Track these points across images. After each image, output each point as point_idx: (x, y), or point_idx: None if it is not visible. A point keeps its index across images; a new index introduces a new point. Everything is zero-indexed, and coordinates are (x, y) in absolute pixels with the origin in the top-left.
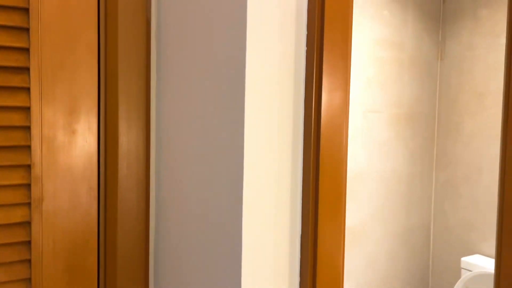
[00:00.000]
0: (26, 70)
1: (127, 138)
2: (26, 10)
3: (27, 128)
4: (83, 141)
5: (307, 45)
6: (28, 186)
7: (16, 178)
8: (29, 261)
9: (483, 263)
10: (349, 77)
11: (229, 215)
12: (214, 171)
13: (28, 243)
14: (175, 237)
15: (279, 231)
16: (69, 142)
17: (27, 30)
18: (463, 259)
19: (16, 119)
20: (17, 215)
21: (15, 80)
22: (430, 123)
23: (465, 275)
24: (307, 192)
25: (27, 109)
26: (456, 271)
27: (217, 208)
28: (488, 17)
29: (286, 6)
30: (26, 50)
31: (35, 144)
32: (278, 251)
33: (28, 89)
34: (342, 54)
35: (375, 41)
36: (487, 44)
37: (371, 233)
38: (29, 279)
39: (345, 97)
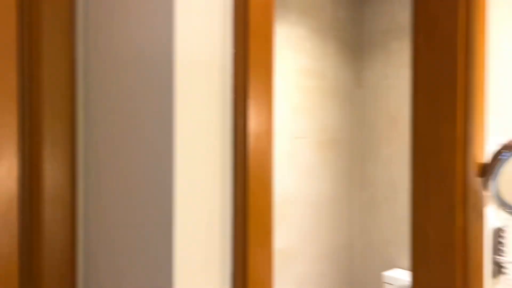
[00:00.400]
0: None
1: (52, 181)
2: None
3: None
4: (3, 186)
5: (234, 86)
6: None
7: None
8: None
9: (403, 276)
10: (273, 108)
11: (161, 254)
12: (144, 212)
13: None
14: (105, 283)
15: (210, 258)
16: None
17: None
18: (384, 273)
19: None
20: None
21: None
22: (353, 147)
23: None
24: (236, 219)
25: None
26: (377, 285)
27: (148, 250)
28: (398, 50)
29: (211, 46)
30: None
31: None
32: (209, 276)
33: None
34: (266, 90)
35: (299, 71)
36: (398, 74)
37: (301, 255)
38: None
39: (269, 128)
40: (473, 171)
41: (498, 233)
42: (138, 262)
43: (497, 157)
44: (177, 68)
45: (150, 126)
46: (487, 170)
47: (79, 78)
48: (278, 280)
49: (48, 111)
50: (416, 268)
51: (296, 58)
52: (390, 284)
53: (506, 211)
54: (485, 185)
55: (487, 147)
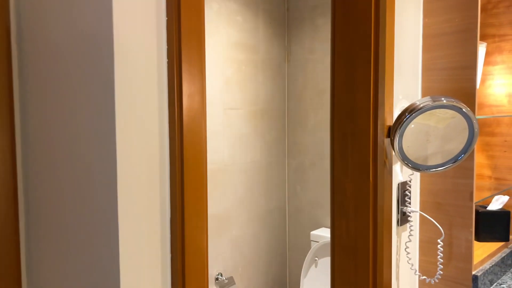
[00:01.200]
0: None
1: None
2: None
3: None
4: None
5: (168, 58)
6: None
7: None
8: None
9: (327, 234)
10: (204, 83)
11: (105, 216)
12: (87, 175)
13: None
14: (47, 240)
15: (152, 223)
16: None
17: None
18: (312, 232)
19: None
20: None
21: None
22: (282, 117)
23: (313, 246)
24: (174, 186)
25: None
26: (307, 244)
27: (92, 209)
28: (324, 26)
29: (147, 24)
30: None
31: None
32: (151, 240)
33: None
34: (197, 64)
35: (231, 44)
36: (324, 48)
37: (236, 219)
38: None
39: (202, 100)
40: (382, 132)
41: (404, 187)
42: (83, 239)
43: (401, 118)
44: (115, 41)
45: (91, 90)
46: (393, 131)
47: (15, 68)
48: (215, 243)
49: None
50: (335, 222)
51: (228, 32)
52: (316, 241)
53: (408, 166)
54: (392, 144)
55: (394, 111)
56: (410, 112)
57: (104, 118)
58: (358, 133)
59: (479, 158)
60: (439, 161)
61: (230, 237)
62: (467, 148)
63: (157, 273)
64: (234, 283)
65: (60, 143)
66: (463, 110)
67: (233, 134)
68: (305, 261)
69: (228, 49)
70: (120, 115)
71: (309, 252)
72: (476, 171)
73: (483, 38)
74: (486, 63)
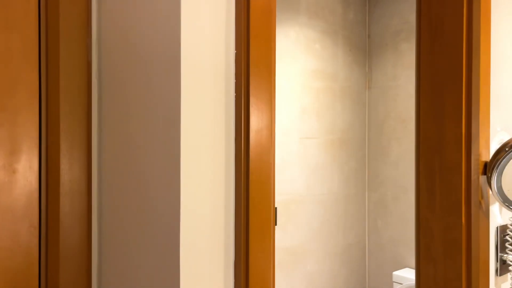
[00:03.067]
0: None
1: (69, 176)
2: None
3: None
4: (24, 180)
5: (236, 92)
6: None
7: None
8: None
9: (412, 276)
10: (273, 106)
11: (168, 252)
12: (151, 208)
13: None
14: (117, 274)
15: (215, 258)
16: (10, 181)
17: None
18: (394, 273)
19: None
20: None
21: None
22: (362, 147)
23: None
24: (239, 221)
25: None
26: (389, 285)
27: (156, 244)
28: (407, 51)
29: (216, 57)
30: None
31: None
32: (214, 274)
33: None
34: (266, 97)
35: (309, 72)
36: (407, 75)
37: (311, 253)
38: None
39: (270, 135)
40: (477, 168)
41: (503, 231)
42: (146, 258)
43: (500, 154)
44: (183, 68)
45: (158, 124)
46: (490, 168)
47: (94, 79)
48: (289, 279)
49: (65, 110)
50: (421, 266)
51: (306, 60)
52: (400, 283)
53: (508, 208)
54: (489, 183)
55: (491, 145)
56: (511, 147)
57: (170, 160)
58: (448, 168)
59: None
60: None
61: (304, 272)
62: None
63: None
64: None
65: (129, 151)
66: None
67: (309, 164)
68: None
69: (306, 77)
70: (185, 153)
71: None
72: None
73: None
74: None
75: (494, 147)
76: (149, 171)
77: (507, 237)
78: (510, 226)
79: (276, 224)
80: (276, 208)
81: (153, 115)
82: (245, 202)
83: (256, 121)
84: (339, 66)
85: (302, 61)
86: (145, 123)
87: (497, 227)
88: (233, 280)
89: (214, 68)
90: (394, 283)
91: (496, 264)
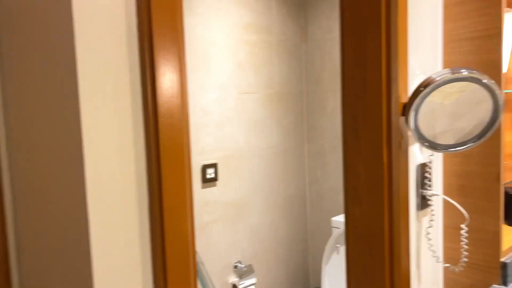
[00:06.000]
0: None
1: None
2: None
3: None
4: None
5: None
6: None
7: None
8: None
9: None
10: (183, 61)
11: (76, 211)
12: (57, 170)
13: None
14: (30, 237)
15: (129, 216)
16: None
17: None
18: (333, 218)
19: None
20: None
21: None
22: (299, 101)
23: (335, 232)
24: (151, 178)
25: None
26: (329, 231)
27: (65, 207)
28: None
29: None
30: None
31: None
32: (128, 231)
33: None
34: (173, 41)
35: (243, 25)
36: None
37: (254, 206)
38: None
39: (181, 80)
40: (397, 110)
41: (423, 169)
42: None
43: (416, 95)
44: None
45: (55, 92)
46: (407, 108)
47: None
48: (233, 231)
49: None
50: (349, 207)
51: (239, 12)
52: (338, 228)
53: (424, 145)
54: (406, 123)
55: (409, 87)
56: (425, 86)
57: (70, 115)
58: (370, 112)
59: (508, 137)
60: (460, 140)
61: (248, 224)
62: (491, 124)
63: (137, 265)
64: (253, 271)
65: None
66: (486, 83)
67: (249, 119)
68: (326, 248)
69: (240, 31)
70: (85, 104)
71: (330, 239)
72: (507, 150)
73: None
74: None
75: (412, 89)
76: (50, 133)
77: (426, 174)
78: (429, 164)
79: (216, 180)
80: (216, 164)
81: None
82: (157, 176)
83: (163, 66)
84: (273, 19)
85: (235, 14)
86: (43, 83)
87: (417, 165)
88: (149, 237)
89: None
90: (333, 228)
91: (417, 200)
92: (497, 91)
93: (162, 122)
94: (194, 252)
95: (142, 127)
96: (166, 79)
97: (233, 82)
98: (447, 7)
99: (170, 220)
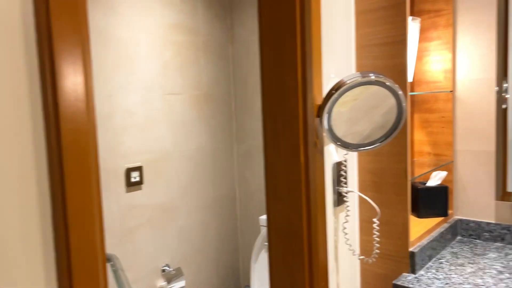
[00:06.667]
0: None
1: None
2: None
3: None
4: None
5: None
6: None
7: None
8: None
9: None
10: (88, 63)
11: None
12: None
13: None
14: None
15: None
16: None
17: None
18: (261, 217)
19: None
20: None
21: None
22: (228, 101)
23: (263, 230)
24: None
25: None
26: (258, 229)
27: None
28: None
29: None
30: None
31: None
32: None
33: None
34: (75, 42)
35: (169, 25)
36: None
37: (182, 208)
38: None
39: (86, 83)
40: (312, 112)
41: (339, 167)
42: None
43: (328, 97)
44: None
45: None
46: (321, 110)
47: None
48: (160, 235)
49: None
50: (270, 205)
51: (164, 12)
52: (266, 226)
53: (337, 145)
54: (321, 124)
55: (324, 90)
56: (336, 89)
57: None
58: (288, 113)
59: (419, 135)
60: (369, 139)
61: (176, 227)
62: (397, 125)
63: (39, 275)
64: (182, 274)
65: None
66: (391, 86)
67: (176, 120)
68: (254, 246)
69: (166, 31)
70: None
71: (258, 237)
72: (416, 147)
73: (419, 14)
74: (423, 39)
75: (326, 92)
76: None
77: (342, 172)
78: (344, 162)
79: (142, 183)
80: (141, 167)
81: None
82: (60, 182)
83: (64, 69)
84: (200, 20)
85: (159, 14)
86: None
87: (333, 164)
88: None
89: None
90: (261, 227)
91: (334, 197)
92: (400, 94)
93: (65, 127)
94: (104, 258)
95: (43, 133)
96: (69, 82)
97: (159, 83)
98: (359, 14)
99: (75, 227)
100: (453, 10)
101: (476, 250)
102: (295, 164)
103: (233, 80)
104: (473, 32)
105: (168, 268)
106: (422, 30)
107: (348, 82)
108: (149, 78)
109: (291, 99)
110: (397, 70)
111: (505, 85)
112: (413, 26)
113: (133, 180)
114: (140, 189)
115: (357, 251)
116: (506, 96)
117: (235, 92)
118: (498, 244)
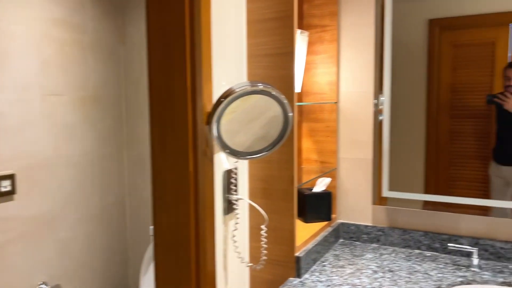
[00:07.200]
0: None
1: None
2: None
3: None
4: None
5: None
6: None
7: None
8: None
9: None
10: None
11: None
12: None
13: None
14: None
15: None
16: None
17: None
18: (151, 227)
19: None
20: None
21: None
22: (118, 105)
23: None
24: None
25: None
26: (147, 238)
27: None
28: None
29: None
30: None
31: None
32: None
33: None
34: None
35: (51, 20)
36: None
37: (64, 219)
38: None
39: None
40: (202, 119)
41: (229, 175)
42: None
43: (217, 105)
44: None
45: None
46: (210, 117)
47: None
48: (38, 250)
49: None
50: (157, 215)
51: (45, 5)
52: None
53: (226, 152)
54: (210, 131)
55: (214, 97)
56: (225, 97)
57: None
58: (177, 120)
59: (307, 143)
60: (257, 148)
61: (56, 240)
62: (283, 134)
63: None
64: None
65: None
66: (277, 96)
67: (57, 123)
68: (144, 258)
69: (47, 26)
70: None
71: (148, 248)
72: (304, 155)
73: (307, 28)
74: (311, 52)
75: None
76: None
77: (232, 180)
78: (234, 170)
79: (14, 193)
80: (13, 174)
81: None
82: None
83: None
84: (87, 17)
85: (39, 6)
86: None
87: (224, 172)
88: None
89: None
90: (151, 237)
91: (224, 205)
92: (286, 103)
93: None
94: None
95: None
96: None
97: (38, 82)
98: (250, 23)
99: None
100: (337, 26)
101: (355, 252)
102: (183, 173)
103: (124, 82)
104: (354, 48)
105: (44, 286)
106: (310, 44)
107: (237, 90)
108: (25, 76)
109: (180, 105)
110: (285, 80)
111: (381, 98)
112: (301, 39)
113: (3, 189)
114: (11, 199)
115: (247, 258)
116: (382, 108)
117: (127, 95)
118: (374, 245)
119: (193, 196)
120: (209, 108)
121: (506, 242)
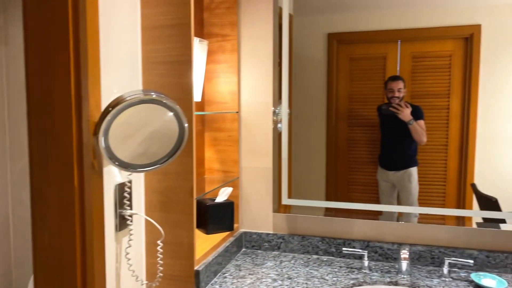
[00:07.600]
0: None
1: None
2: None
3: None
4: None
5: None
6: None
7: None
8: None
9: None
10: None
11: None
12: None
13: None
14: None
15: None
16: None
17: None
18: None
19: None
20: None
21: None
22: (0, 111)
23: None
24: None
25: None
26: None
27: None
28: None
29: None
30: None
31: None
32: None
33: None
34: None
35: None
36: None
37: None
38: None
39: None
40: (88, 130)
41: (122, 188)
42: None
43: (105, 114)
44: None
45: None
46: (97, 128)
47: None
48: None
49: None
50: (37, 236)
51: None
52: None
53: (115, 165)
54: (97, 142)
55: (103, 106)
56: (114, 105)
57: None
58: (59, 131)
59: (209, 152)
60: (150, 160)
61: None
62: (179, 145)
63: None
64: None
65: None
66: (171, 106)
67: None
68: (30, 280)
69: None
70: None
71: None
72: (207, 165)
73: (208, 36)
74: (212, 61)
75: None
76: None
77: (125, 194)
78: (128, 183)
79: None
80: None
81: None
82: None
83: None
84: None
85: None
86: None
87: (116, 185)
88: None
89: None
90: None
91: (116, 221)
92: (181, 114)
93: None
94: None
95: None
96: None
97: None
98: (145, 29)
99: None
100: (237, 36)
101: (256, 261)
102: (67, 188)
103: (6, 86)
104: (255, 58)
105: None
106: (211, 52)
107: (127, 98)
108: None
109: (63, 113)
110: (183, 89)
111: (280, 108)
112: (200, 47)
113: None
114: None
115: (143, 275)
116: (281, 118)
117: (9, 101)
118: (275, 252)
119: (79, 214)
120: (97, 117)
121: (393, 243)
